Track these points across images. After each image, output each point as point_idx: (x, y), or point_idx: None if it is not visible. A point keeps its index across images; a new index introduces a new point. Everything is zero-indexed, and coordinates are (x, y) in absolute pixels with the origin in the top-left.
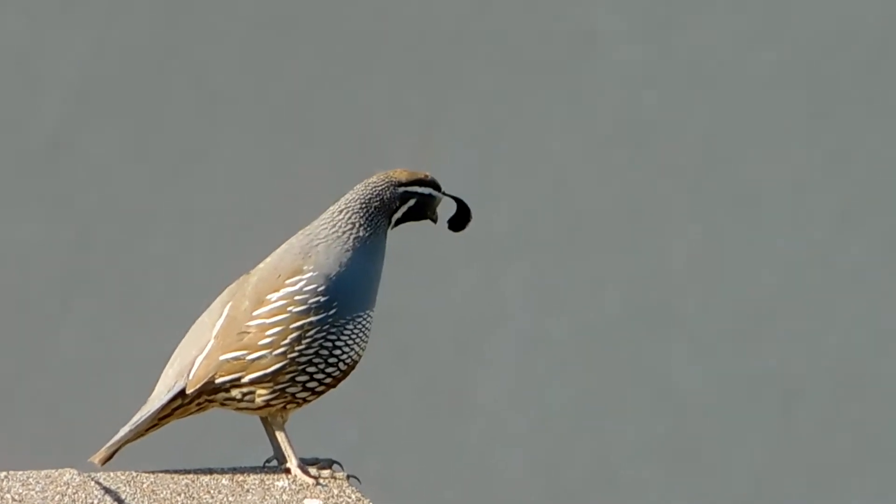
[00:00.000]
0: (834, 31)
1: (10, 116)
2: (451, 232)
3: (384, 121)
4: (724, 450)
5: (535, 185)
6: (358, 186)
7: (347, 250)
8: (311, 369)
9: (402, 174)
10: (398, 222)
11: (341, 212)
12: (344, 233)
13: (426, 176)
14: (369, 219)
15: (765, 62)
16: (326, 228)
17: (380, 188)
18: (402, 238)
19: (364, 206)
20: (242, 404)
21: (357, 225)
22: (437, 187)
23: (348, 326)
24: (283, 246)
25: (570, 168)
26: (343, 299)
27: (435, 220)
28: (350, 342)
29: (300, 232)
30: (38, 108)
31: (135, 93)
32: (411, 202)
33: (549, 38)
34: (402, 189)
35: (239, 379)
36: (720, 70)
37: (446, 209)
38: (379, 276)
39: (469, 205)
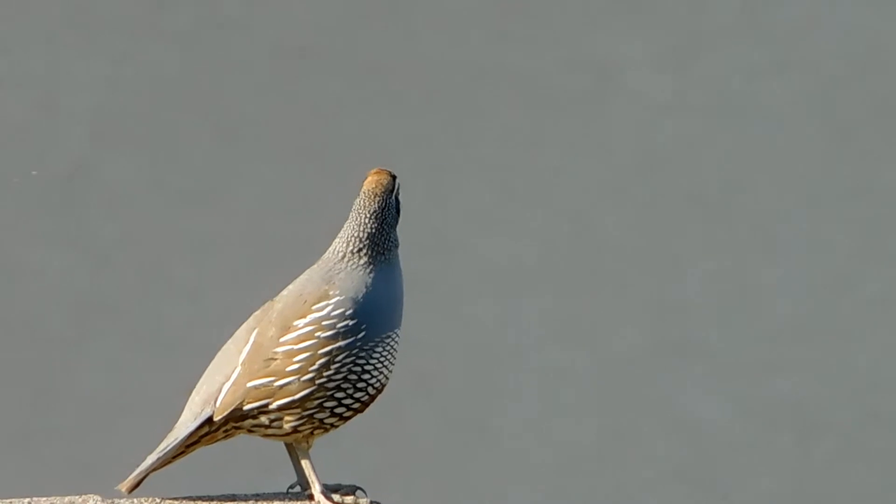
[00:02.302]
0: (852, 60)
1: (31, 146)
2: (471, 262)
3: (404, 153)
4: (744, 480)
5: (555, 217)
6: (362, 209)
7: (370, 272)
8: (339, 394)
9: (385, 180)
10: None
11: (356, 238)
12: (363, 256)
13: (391, 173)
14: (385, 237)
15: (783, 92)
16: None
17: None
18: (423, 267)
19: (379, 227)
20: (270, 430)
21: (375, 246)
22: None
23: (377, 349)
24: (305, 274)
25: (589, 199)
26: (371, 321)
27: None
28: (379, 365)
29: (319, 260)
30: (59, 137)
31: (154, 123)
32: (399, 197)
33: (567, 70)
34: (395, 195)
35: (267, 405)
36: (739, 100)
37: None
38: (402, 292)
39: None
